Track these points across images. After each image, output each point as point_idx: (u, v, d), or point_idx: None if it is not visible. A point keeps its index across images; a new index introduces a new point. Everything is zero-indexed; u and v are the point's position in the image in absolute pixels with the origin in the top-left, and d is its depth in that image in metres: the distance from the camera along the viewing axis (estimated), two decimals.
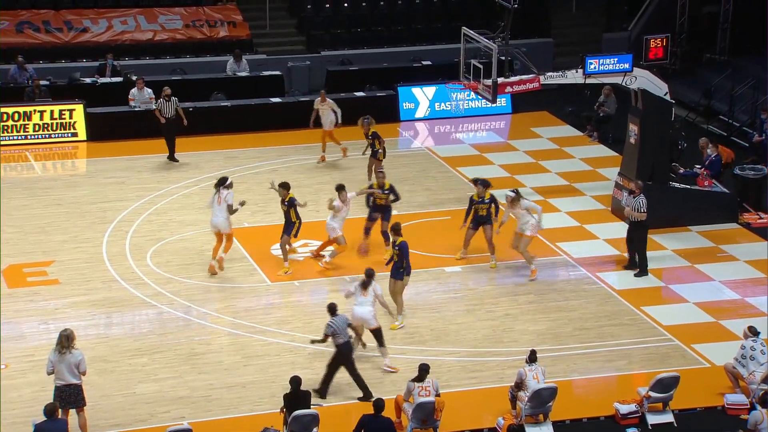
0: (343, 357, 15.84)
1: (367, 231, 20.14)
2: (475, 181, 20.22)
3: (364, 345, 16.74)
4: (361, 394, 15.87)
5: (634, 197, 19.57)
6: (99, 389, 15.90)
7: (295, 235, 19.80)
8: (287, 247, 19.77)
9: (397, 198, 20.25)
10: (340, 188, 19.59)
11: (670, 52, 22.46)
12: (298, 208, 19.62)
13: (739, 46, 30.09)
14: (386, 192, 20.02)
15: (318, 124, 24.82)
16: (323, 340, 15.97)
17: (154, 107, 24.99)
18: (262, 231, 21.34)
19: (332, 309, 16.00)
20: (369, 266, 17.18)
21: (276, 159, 24.68)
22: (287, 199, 19.57)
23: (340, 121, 24.56)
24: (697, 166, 22.79)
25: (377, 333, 16.68)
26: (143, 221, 21.85)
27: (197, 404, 15.85)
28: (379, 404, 14.46)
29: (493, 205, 19.83)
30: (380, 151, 22.83)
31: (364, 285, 16.76)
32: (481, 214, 19.82)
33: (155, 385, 16.31)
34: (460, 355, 17.20)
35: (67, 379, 14.65)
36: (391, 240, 18.50)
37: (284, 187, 19.73)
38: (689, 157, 23.88)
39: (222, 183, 19.50)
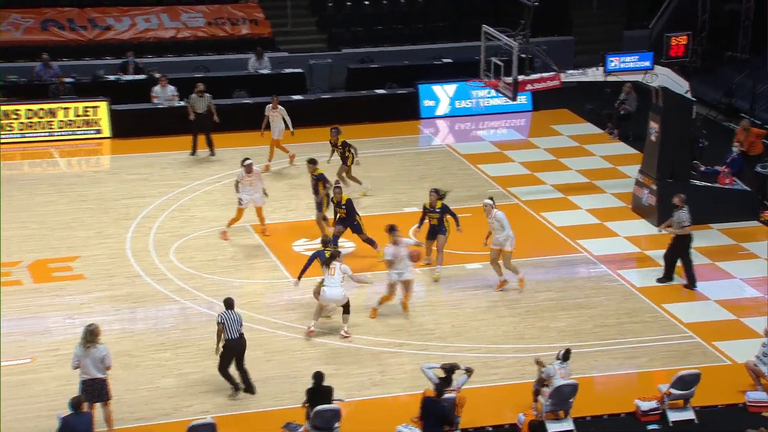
0: (228, 353, 15.75)
1: (336, 238, 19.61)
2: (435, 191, 19.43)
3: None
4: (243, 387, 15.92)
5: (676, 211, 18.97)
6: (124, 383, 15.99)
7: (327, 206, 20.27)
8: (323, 222, 20.34)
9: (354, 215, 19.65)
10: (391, 229, 17.99)
11: (691, 50, 22.33)
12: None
13: (761, 44, 29.91)
14: (343, 207, 19.67)
15: (270, 131, 24.12)
16: (218, 335, 15.74)
17: (184, 103, 25.14)
18: (284, 227, 21.40)
19: (228, 303, 15.87)
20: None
21: (296, 156, 24.69)
22: (315, 174, 20.28)
23: (291, 129, 23.91)
24: (737, 149, 22.34)
25: (346, 304, 17.24)
26: (166, 217, 21.94)
27: (220, 399, 15.91)
28: (440, 390, 14.50)
29: (447, 214, 19.28)
30: (351, 157, 22.35)
31: (327, 264, 17.09)
32: (432, 223, 19.39)
33: (179, 379, 16.39)
34: (480, 351, 17.21)
35: (93, 373, 14.73)
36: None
37: (312, 162, 20.50)
38: (710, 154, 23.79)
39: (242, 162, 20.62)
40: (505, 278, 19.03)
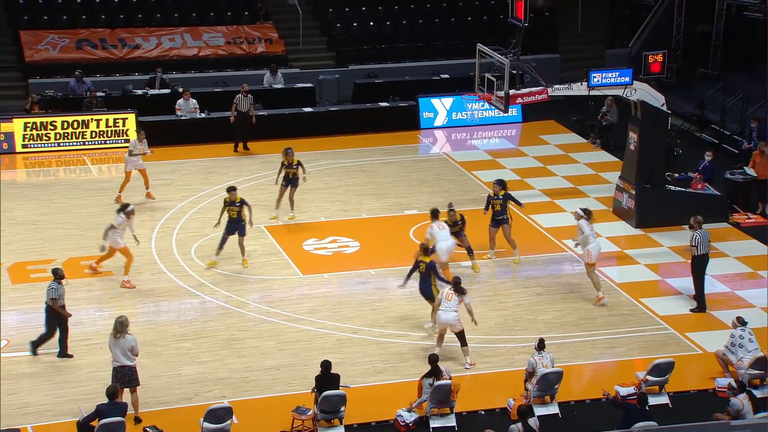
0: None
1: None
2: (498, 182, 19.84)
3: None
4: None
5: (691, 232, 18.08)
6: (148, 370, 15.97)
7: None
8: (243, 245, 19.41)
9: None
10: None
11: (667, 67, 22.31)
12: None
13: (730, 62, 29.91)
14: (458, 224, 19.05)
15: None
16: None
17: (233, 101, 25.37)
18: (295, 228, 21.37)
19: (56, 274, 16.62)
20: None
21: (308, 163, 24.63)
22: (238, 200, 19.30)
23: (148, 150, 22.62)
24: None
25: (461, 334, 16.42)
26: (188, 219, 21.93)
27: (236, 385, 15.91)
28: (642, 398, 14.52)
29: (510, 201, 19.69)
30: (302, 178, 21.36)
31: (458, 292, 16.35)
32: (496, 209, 19.59)
33: (199, 367, 16.38)
34: (474, 342, 17.14)
35: (122, 361, 14.77)
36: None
37: (232, 190, 19.50)
38: (684, 162, 23.76)
39: (122, 209, 19.13)
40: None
